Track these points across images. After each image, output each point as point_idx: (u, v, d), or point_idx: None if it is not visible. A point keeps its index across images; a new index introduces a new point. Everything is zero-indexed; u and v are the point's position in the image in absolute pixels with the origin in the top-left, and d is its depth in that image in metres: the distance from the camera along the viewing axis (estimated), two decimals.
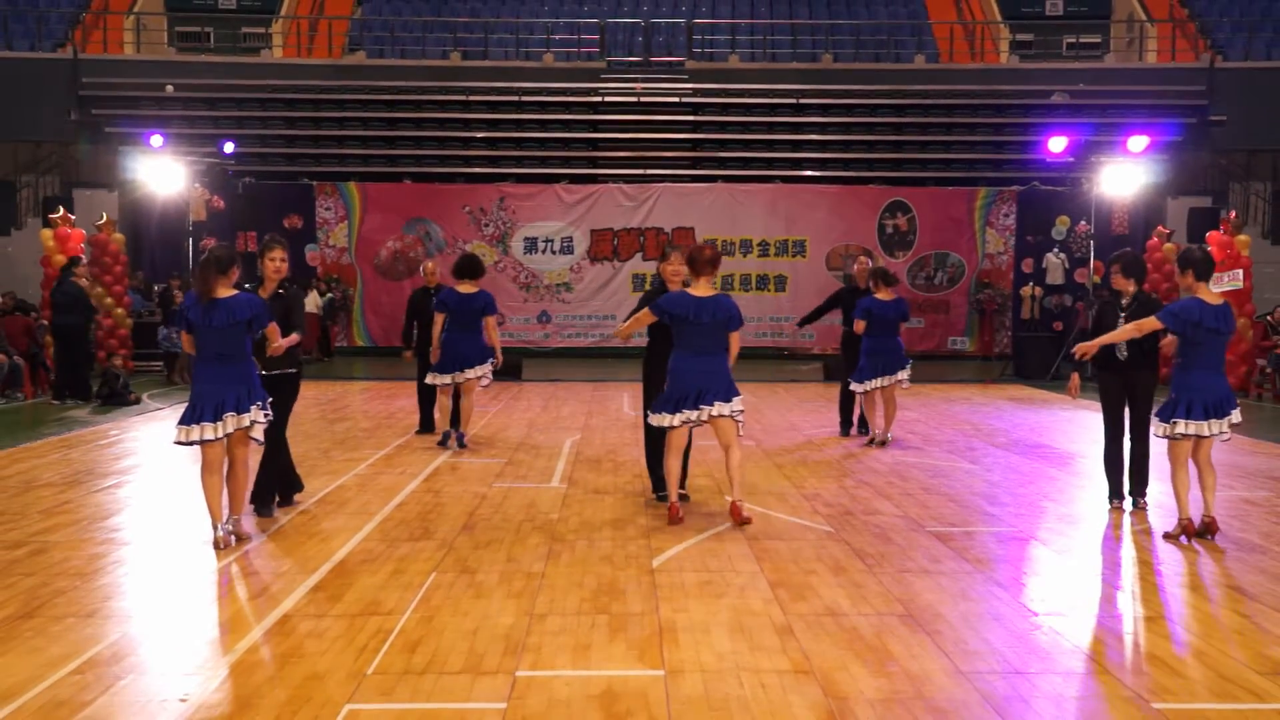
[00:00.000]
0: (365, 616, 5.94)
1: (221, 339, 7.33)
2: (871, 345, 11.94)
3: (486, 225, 25.03)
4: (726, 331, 8.17)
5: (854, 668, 5.22)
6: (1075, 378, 9.07)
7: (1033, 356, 21.18)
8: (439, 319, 11.54)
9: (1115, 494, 8.83)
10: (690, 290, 8.18)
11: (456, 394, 11.78)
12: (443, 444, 11.89)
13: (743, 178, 25.95)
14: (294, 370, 8.37)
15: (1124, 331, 8.10)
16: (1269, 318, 19.04)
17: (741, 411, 8.22)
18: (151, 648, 5.52)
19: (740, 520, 8.08)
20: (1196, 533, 7.71)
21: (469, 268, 11.59)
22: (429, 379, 11.81)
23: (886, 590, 6.51)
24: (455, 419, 11.96)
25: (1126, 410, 8.72)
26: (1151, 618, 6.09)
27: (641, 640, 5.58)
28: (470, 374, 11.53)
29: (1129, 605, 6.36)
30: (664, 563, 7.11)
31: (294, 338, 8.06)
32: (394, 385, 18.60)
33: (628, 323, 8.55)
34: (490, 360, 11.63)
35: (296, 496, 8.88)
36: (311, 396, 16.46)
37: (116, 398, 15.52)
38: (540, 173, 26.17)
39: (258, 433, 7.50)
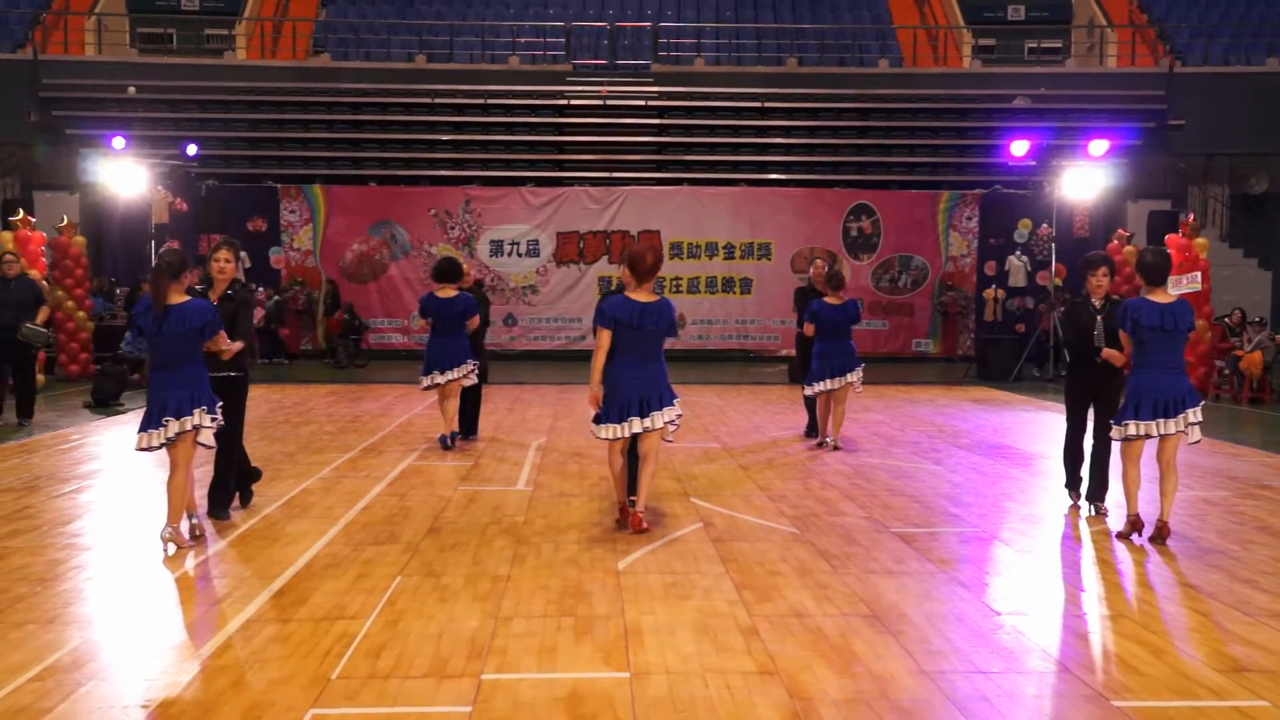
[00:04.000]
0: (329, 621, 5.91)
1: (173, 345, 7.30)
2: (821, 348, 11.89)
3: (452, 228, 24.94)
4: (665, 337, 7.95)
5: (819, 668, 5.24)
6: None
7: (995, 358, 21.33)
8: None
9: (1072, 484, 8.93)
10: (631, 295, 7.90)
11: (471, 395, 12.31)
12: (445, 446, 11.85)
13: (708, 180, 26.00)
14: (239, 374, 8.25)
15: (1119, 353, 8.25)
16: (1227, 320, 19.29)
17: (679, 416, 8.06)
18: (113, 654, 5.47)
19: (638, 529, 7.96)
20: (1150, 537, 7.78)
21: (448, 271, 11.76)
22: (423, 383, 11.84)
23: (851, 591, 6.55)
24: (467, 422, 12.53)
25: (1090, 411, 8.80)
26: (1112, 616, 6.15)
27: (607, 643, 5.58)
28: (452, 375, 11.65)
29: (1090, 605, 6.42)
30: (629, 565, 7.12)
31: (238, 345, 7.99)
32: (359, 389, 18.51)
33: (596, 362, 7.94)
34: (470, 361, 11.77)
35: (254, 488, 8.90)
36: (275, 400, 16.35)
37: (109, 401, 15.40)
38: (506, 175, 26.12)
39: (205, 437, 7.44)
